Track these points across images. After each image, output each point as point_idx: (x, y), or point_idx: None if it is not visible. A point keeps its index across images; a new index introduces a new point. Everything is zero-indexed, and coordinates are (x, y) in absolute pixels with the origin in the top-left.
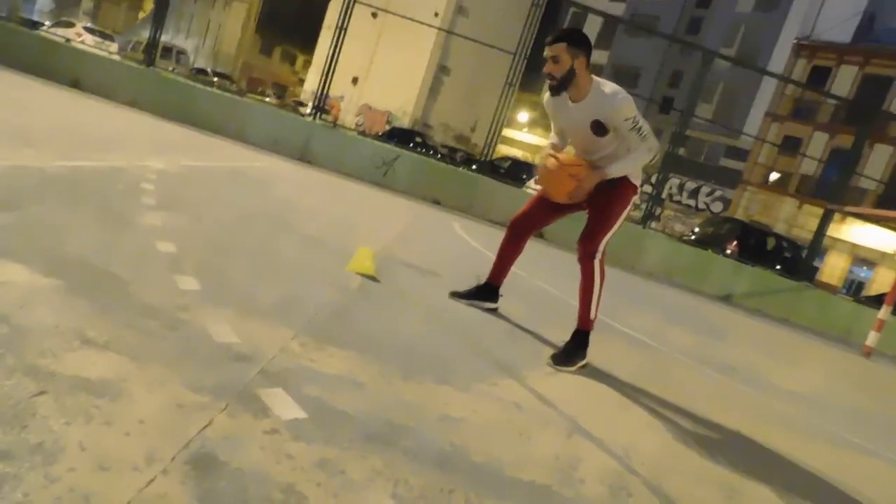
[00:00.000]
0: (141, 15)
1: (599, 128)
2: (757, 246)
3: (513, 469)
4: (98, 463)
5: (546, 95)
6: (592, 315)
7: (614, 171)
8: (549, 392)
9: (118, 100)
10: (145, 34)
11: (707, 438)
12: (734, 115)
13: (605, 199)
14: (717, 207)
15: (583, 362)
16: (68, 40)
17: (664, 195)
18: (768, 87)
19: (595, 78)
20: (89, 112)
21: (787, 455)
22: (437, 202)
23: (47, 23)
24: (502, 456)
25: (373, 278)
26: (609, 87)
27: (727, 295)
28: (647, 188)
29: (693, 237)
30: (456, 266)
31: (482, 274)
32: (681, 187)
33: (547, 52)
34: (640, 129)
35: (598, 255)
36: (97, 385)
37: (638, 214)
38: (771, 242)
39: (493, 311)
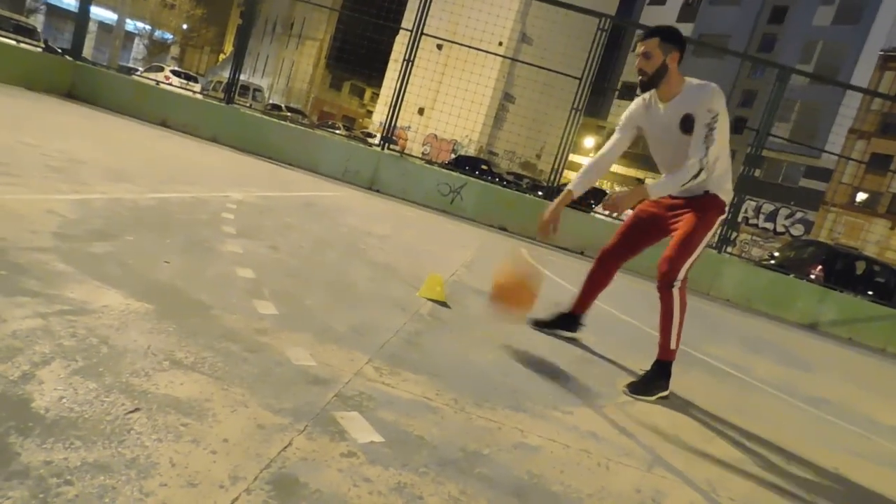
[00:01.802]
0: (221, 57)
1: (687, 124)
2: (845, 270)
3: (592, 501)
4: (187, 479)
5: (633, 105)
6: (673, 345)
7: (653, 191)
8: (627, 422)
9: (201, 136)
10: (225, 74)
11: (802, 476)
12: (814, 133)
13: (687, 222)
14: (797, 230)
15: (664, 393)
16: (158, 83)
17: (739, 219)
18: (852, 102)
19: (688, 77)
20: (176, 148)
21: None
22: (504, 229)
23: (140, 68)
24: (581, 487)
25: (444, 304)
26: (704, 82)
27: (813, 323)
28: None
29: (773, 262)
30: None
31: (562, 302)
32: (757, 210)
33: (638, 49)
34: (712, 127)
35: (678, 283)
36: (185, 404)
37: (713, 239)
38: (861, 266)
39: (573, 339)
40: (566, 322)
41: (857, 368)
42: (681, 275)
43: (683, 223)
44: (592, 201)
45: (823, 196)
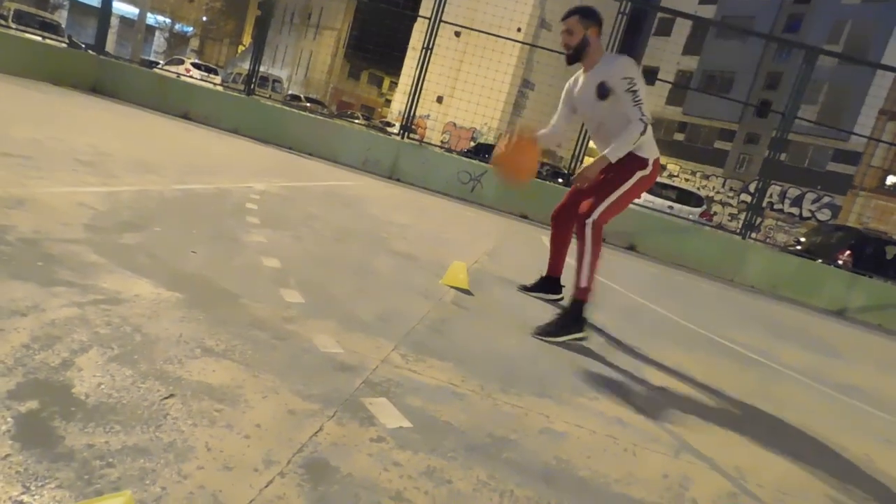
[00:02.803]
0: (241, 49)
1: (602, 90)
2: (875, 255)
3: (620, 486)
4: (223, 463)
5: (570, 80)
6: (584, 283)
7: (611, 154)
8: (653, 408)
9: (222, 127)
10: (245, 66)
11: (833, 463)
12: (842, 116)
13: (608, 173)
14: (824, 215)
15: (580, 335)
16: (179, 76)
17: (764, 204)
18: (882, 83)
19: (608, 52)
20: (198, 139)
21: None
22: (524, 216)
23: (161, 61)
24: (608, 472)
25: (467, 292)
26: (617, 55)
27: (841, 309)
28: (746, 197)
29: (799, 247)
30: None
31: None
32: (783, 195)
33: (562, 26)
34: (635, 92)
35: (592, 221)
36: (217, 390)
37: (736, 225)
38: (891, 251)
39: (559, 300)
40: (548, 285)
41: (888, 355)
42: (595, 214)
43: (603, 177)
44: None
45: (852, 180)
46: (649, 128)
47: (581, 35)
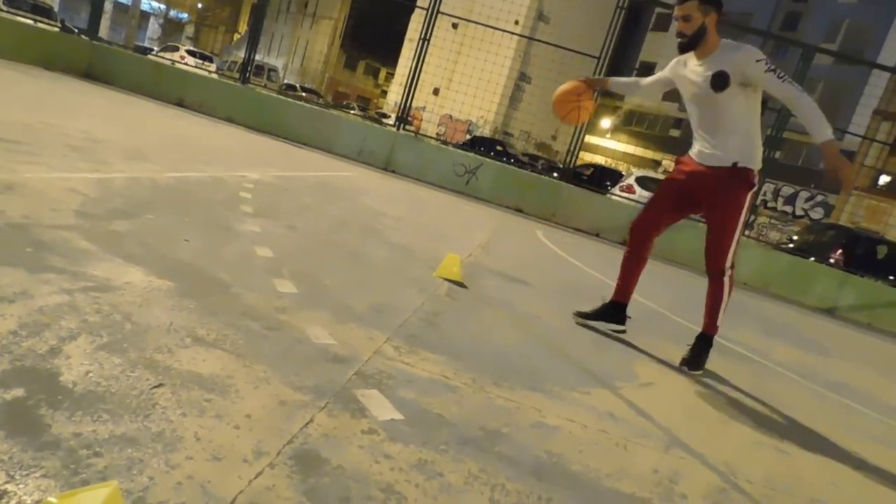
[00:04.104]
0: (236, 37)
1: (720, 79)
2: (866, 255)
3: (611, 481)
4: (212, 453)
5: (674, 60)
6: (719, 322)
7: (824, 134)
8: (644, 403)
9: (217, 115)
10: (240, 54)
11: (821, 460)
12: (837, 115)
13: (720, 211)
14: (817, 214)
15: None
16: (174, 63)
17: (758, 202)
18: (878, 82)
19: (724, 39)
20: (192, 127)
21: None
22: (519, 210)
23: (156, 48)
24: (600, 466)
25: (460, 284)
26: (738, 42)
27: (831, 307)
28: None
29: (791, 245)
30: (541, 273)
31: (606, 295)
32: (776, 193)
33: (677, 12)
34: (775, 70)
35: (728, 272)
36: (207, 380)
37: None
38: (882, 251)
39: (622, 332)
40: (613, 313)
41: (877, 354)
42: (728, 263)
43: (718, 213)
44: (609, 183)
45: None
46: (758, 131)
47: (700, 22)
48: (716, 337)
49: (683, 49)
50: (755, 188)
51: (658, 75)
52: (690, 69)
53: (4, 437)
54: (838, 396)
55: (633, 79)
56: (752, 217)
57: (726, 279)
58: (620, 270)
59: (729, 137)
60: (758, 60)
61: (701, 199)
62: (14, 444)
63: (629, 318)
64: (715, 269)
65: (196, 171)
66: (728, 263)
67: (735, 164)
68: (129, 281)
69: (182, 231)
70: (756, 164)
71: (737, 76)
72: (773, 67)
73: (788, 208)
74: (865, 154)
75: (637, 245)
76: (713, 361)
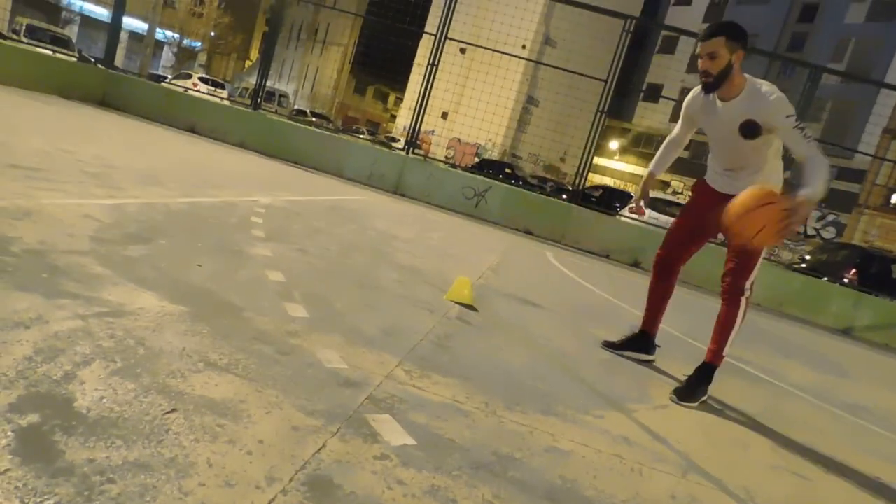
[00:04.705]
0: (248, 63)
1: (750, 129)
2: (880, 274)
3: None
4: (224, 479)
5: (689, 96)
6: (725, 351)
7: (811, 193)
8: (659, 427)
9: (229, 141)
10: (252, 81)
11: (841, 484)
12: (846, 134)
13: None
14: (828, 233)
15: (704, 397)
16: (186, 90)
17: None
18: (886, 101)
19: (748, 76)
20: (204, 153)
21: None
22: (529, 232)
23: (169, 76)
24: (615, 492)
25: (471, 307)
26: (766, 85)
27: (847, 327)
28: None
29: (804, 265)
30: (552, 295)
31: (635, 324)
32: None
33: (702, 49)
34: (803, 128)
35: (747, 293)
36: (220, 405)
37: None
38: None
39: (650, 363)
40: (641, 343)
41: (895, 375)
42: (747, 285)
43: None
44: (618, 205)
45: (857, 198)
46: (779, 164)
47: (727, 60)
48: (729, 359)
49: (708, 90)
50: None
51: (681, 124)
52: (716, 110)
53: (20, 463)
54: (856, 419)
55: (662, 149)
56: None
57: (743, 300)
58: (647, 301)
59: (756, 173)
60: (787, 116)
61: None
62: (28, 470)
63: (658, 346)
64: (735, 289)
65: (208, 196)
66: (749, 283)
67: None
68: (143, 306)
69: (195, 256)
70: (780, 190)
71: (767, 126)
72: (801, 125)
73: (800, 228)
74: (877, 173)
75: (662, 276)
76: (727, 384)
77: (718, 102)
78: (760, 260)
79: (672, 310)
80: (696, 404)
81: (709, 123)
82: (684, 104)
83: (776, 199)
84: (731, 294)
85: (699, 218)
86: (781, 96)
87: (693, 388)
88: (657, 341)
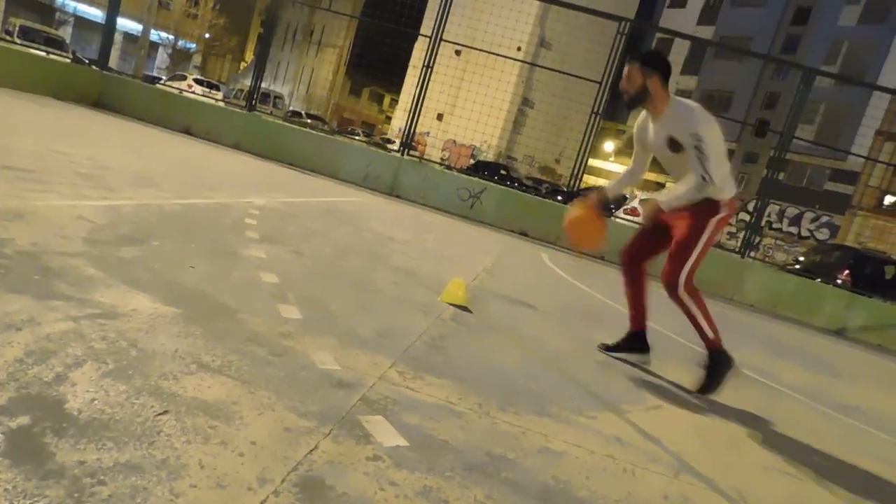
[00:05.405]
0: (243, 65)
1: (673, 144)
2: (873, 275)
3: None
4: (216, 481)
5: (639, 117)
6: (711, 336)
7: (664, 204)
8: (652, 427)
9: (223, 143)
10: (246, 82)
11: (834, 485)
12: (839, 136)
13: (679, 231)
14: (822, 234)
15: (732, 370)
16: (181, 91)
17: (763, 223)
18: (879, 103)
19: (676, 98)
20: (199, 154)
21: None
22: (524, 234)
23: (164, 77)
24: (608, 492)
25: (465, 309)
26: (686, 104)
27: (840, 328)
28: (745, 216)
29: (798, 266)
30: (546, 297)
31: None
32: (781, 214)
33: (624, 71)
34: (701, 150)
35: (681, 288)
36: (212, 406)
37: (735, 244)
38: (890, 271)
39: (645, 363)
40: (635, 343)
41: (888, 375)
42: (681, 279)
43: (677, 232)
44: (613, 206)
45: (850, 199)
46: (726, 171)
47: (640, 84)
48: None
49: (628, 105)
50: (721, 215)
51: (636, 149)
52: (651, 131)
53: (9, 465)
54: (849, 419)
55: (621, 175)
56: (758, 239)
57: (682, 294)
58: (627, 299)
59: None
60: (691, 134)
61: (672, 230)
62: (18, 472)
63: (650, 347)
64: (669, 287)
65: (202, 198)
66: (682, 279)
67: (706, 199)
68: (136, 308)
69: (188, 257)
70: (724, 195)
71: (681, 142)
72: (699, 146)
73: (794, 229)
74: (870, 175)
75: (627, 274)
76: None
77: (650, 122)
78: (694, 256)
79: (664, 311)
80: (723, 384)
81: (647, 140)
82: (636, 124)
83: (591, 213)
84: (669, 291)
85: (654, 227)
86: (697, 116)
87: (712, 377)
88: (648, 342)
